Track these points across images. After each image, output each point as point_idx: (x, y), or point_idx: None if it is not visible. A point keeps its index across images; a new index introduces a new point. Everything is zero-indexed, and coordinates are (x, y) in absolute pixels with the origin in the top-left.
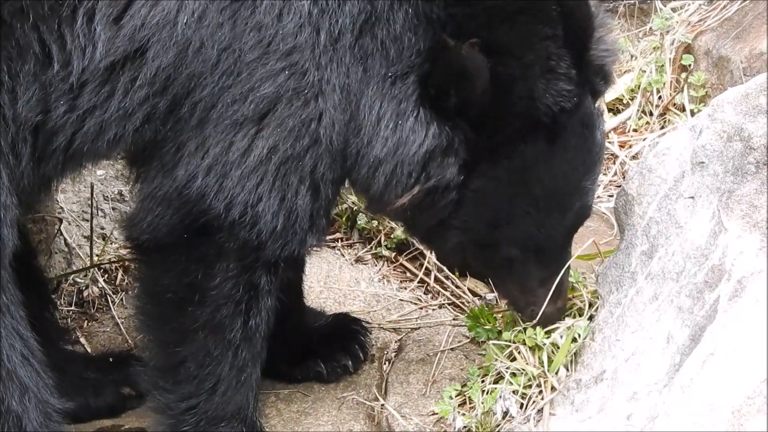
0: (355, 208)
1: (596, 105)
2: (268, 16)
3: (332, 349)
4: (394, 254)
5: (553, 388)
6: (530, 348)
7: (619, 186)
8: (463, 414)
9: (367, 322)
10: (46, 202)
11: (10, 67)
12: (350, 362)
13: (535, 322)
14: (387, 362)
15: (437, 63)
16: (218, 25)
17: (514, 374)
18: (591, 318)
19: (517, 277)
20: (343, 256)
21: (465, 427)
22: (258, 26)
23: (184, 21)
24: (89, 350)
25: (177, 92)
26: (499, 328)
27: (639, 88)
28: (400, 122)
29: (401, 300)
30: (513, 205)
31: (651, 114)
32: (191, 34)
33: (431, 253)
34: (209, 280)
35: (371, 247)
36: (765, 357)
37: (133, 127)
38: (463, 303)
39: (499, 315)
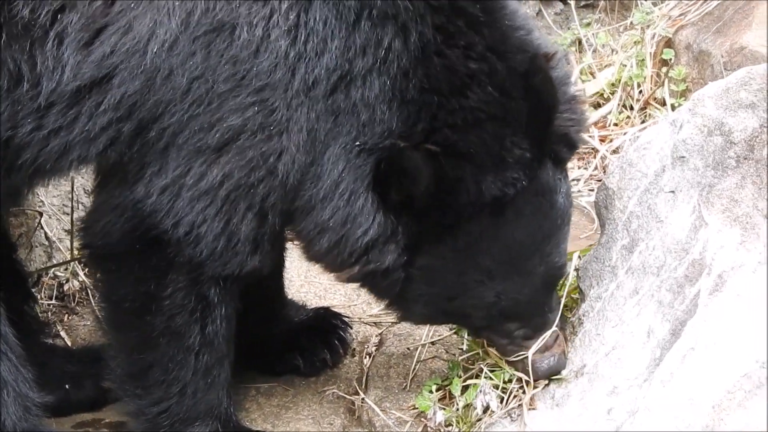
0: None
1: (559, 169)
2: (244, 51)
3: (312, 342)
4: None
5: (533, 383)
6: None
7: (600, 180)
8: (444, 408)
9: (348, 317)
10: (19, 206)
11: None
12: (330, 356)
13: (537, 375)
14: (367, 356)
15: (386, 158)
16: (190, 54)
17: (494, 369)
18: (572, 312)
19: (496, 335)
20: None
21: (445, 421)
22: (234, 60)
23: (155, 49)
24: (69, 344)
25: (143, 117)
26: None
27: (620, 82)
28: (353, 198)
29: None
30: (464, 279)
31: (631, 108)
32: (161, 63)
33: None
34: (162, 290)
35: None
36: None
37: (96, 150)
38: None
39: None
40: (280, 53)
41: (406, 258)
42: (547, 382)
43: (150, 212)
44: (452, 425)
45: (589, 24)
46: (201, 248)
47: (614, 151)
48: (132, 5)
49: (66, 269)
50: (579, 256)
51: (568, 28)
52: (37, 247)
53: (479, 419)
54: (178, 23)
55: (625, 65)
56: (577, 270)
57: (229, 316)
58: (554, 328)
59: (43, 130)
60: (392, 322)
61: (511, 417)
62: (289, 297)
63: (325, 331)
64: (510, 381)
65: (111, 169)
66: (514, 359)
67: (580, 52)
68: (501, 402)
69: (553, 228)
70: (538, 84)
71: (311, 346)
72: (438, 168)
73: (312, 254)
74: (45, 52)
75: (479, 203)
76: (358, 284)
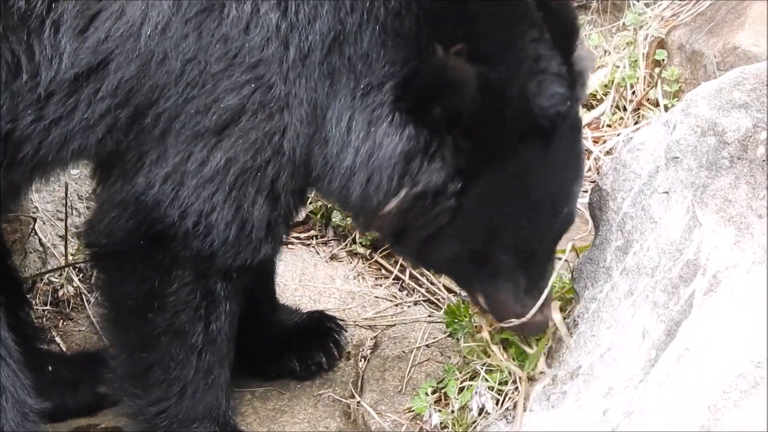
0: (330, 206)
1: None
2: (234, 28)
3: (307, 346)
4: (368, 251)
5: (528, 385)
6: (506, 344)
7: (594, 181)
8: (439, 410)
9: (342, 320)
10: (16, 206)
11: None
12: (325, 359)
13: (523, 332)
14: (363, 359)
15: (420, 73)
16: (183, 36)
17: (489, 370)
18: (567, 314)
19: (506, 286)
20: (318, 253)
21: (441, 423)
22: (224, 38)
23: (148, 33)
24: (65, 349)
25: (139, 103)
26: (476, 325)
27: (612, 83)
28: (372, 129)
29: (376, 297)
30: (512, 211)
31: (625, 109)
32: (154, 46)
33: (420, 267)
34: (166, 287)
35: (346, 245)
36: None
37: (95, 138)
38: (438, 300)
39: (476, 311)
40: (271, 27)
41: (460, 184)
42: (543, 384)
43: (153, 204)
44: (448, 427)
45: (581, 25)
46: (212, 239)
47: (608, 153)
48: None
49: (60, 275)
50: (577, 254)
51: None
52: (31, 253)
53: (475, 421)
54: (170, 5)
55: (618, 66)
56: (571, 271)
57: (233, 313)
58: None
59: (43, 120)
60: (387, 325)
61: (506, 418)
62: (284, 301)
63: (320, 334)
64: (506, 382)
65: (109, 161)
66: (508, 325)
67: None
68: (496, 403)
69: (580, 169)
70: (556, 8)
71: (306, 350)
72: (480, 74)
73: (351, 208)
74: (42, 41)
75: (530, 122)
76: (401, 226)
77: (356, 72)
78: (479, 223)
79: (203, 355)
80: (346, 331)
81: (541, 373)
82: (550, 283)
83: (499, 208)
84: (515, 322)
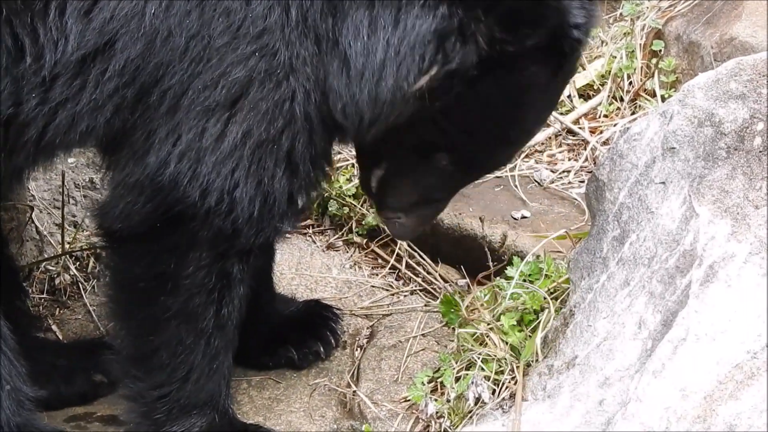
0: (326, 194)
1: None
2: (236, 1)
3: (304, 335)
4: (365, 241)
5: (524, 374)
6: (502, 334)
7: (590, 172)
8: (436, 400)
9: (339, 309)
10: (17, 191)
11: None
12: (322, 348)
13: (391, 228)
14: (359, 349)
15: None
16: (186, 12)
17: (486, 360)
18: (563, 303)
19: (423, 180)
20: (314, 242)
21: (437, 412)
22: (227, 11)
23: (152, 11)
24: (61, 338)
25: (144, 81)
26: (472, 314)
27: (609, 73)
28: (402, 17)
29: (373, 286)
30: (495, 119)
31: (622, 100)
32: (159, 24)
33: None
34: (182, 270)
35: (342, 234)
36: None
37: (104, 118)
38: (434, 289)
39: (472, 301)
40: None
41: (476, 74)
42: (538, 373)
43: (170, 184)
44: (444, 417)
45: None
46: (235, 216)
47: (604, 143)
48: None
49: (57, 263)
50: (573, 243)
51: None
52: (28, 241)
53: (471, 410)
54: None
55: (615, 57)
56: (567, 261)
57: (244, 297)
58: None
59: (49, 103)
60: (383, 315)
61: (502, 408)
62: (280, 290)
63: (317, 323)
64: (502, 372)
65: (118, 143)
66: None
67: None
68: (493, 393)
69: (545, 120)
70: None
71: (303, 339)
72: None
73: (381, 105)
74: (47, 24)
75: (555, 44)
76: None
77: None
78: (462, 116)
79: (212, 340)
80: (342, 320)
81: (536, 361)
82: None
83: (487, 113)
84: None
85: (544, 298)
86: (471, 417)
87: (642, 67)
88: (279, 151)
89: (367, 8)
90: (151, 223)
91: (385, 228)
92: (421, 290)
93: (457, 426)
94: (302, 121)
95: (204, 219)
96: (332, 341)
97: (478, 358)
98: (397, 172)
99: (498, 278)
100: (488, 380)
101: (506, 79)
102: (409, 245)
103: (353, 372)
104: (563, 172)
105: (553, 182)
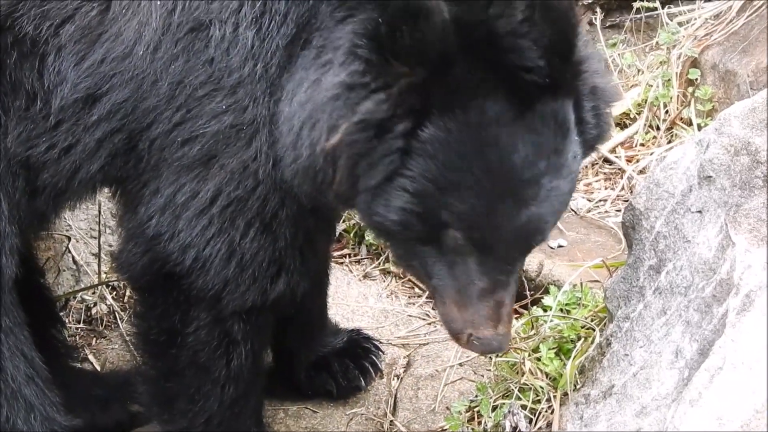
0: (363, 224)
1: (586, 141)
2: (218, 49)
3: (345, 367)
4: (401, 270)
5: (561, 404)
6: (539, 363)
7: (627, 200)
8: (473, 429)
9: (378, 339)
10: (47, 231)
11: (3, 102)
12: (362, 381)
13: (473, 348)
14: (396, 378)
15: (390, 5)
16: (173, 57)
17: (522, 389)
18: (600, 332)
19: (456, 276)
20: (351, 272)
21: None
22: (210, 60)
23: (140, 53)
24: (97, 367)
25: (133, 128)
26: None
27: (646, 102)
28: (321, 76)
29: (409, 315)
30: (463, 166)
31: (658, 128)
32: (146, 67)
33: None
34: (185, 327)
35: (379, 263)
36: None
37: (98, 165)
38: None
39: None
40: (248, 45)
41: (411, 125)
42: (575, 402)
43: (154, 236)
44: None
45: (615, 44)
46: (212, 276)
47: (641, 172)
48: (124, 10)
49: (94, 293)
50: (609, 272)
51: (595, 49)
52: (64, 271)
53: None
54: (159, 25)
55: (651, 85)
56: (604, 291)
57: (256, 351)
58: (511, 295)
59: (56, 149)
60: (420, 344)
61: None
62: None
63: (357, 354)
64: (539, 401)
65: (115, 191)
66: (462, 326)
67: None
68: (530, 423)
69: (558, 168)
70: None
71: (344, 370)
72: (451, 9)
73: (303, 168)
74: (49, 67)
75: (498, 73)
76: (351, 174)
77: (311, 41)
78: (429, 172)
79: (227, 389)
80: (383, 353)
81: (574, 390)
82: (511, 296)
83: (449, 159)
84: (464, 333)
85: (582, 327)
86: None
87: (678, 96)
88: (249, 211)
89: (306, 68)
90: (150, 276)
91: None
92: None
93: None
94: (269, 181)
95: (188, 277)
96: (372, 373)
97: (515, 387)
98: (420, 274)
99: (535, 307)
100: (525, 409)
101: (453, 125)
102: None
103: (390, 401)
104: (600, 200)
105: (589, 211)
